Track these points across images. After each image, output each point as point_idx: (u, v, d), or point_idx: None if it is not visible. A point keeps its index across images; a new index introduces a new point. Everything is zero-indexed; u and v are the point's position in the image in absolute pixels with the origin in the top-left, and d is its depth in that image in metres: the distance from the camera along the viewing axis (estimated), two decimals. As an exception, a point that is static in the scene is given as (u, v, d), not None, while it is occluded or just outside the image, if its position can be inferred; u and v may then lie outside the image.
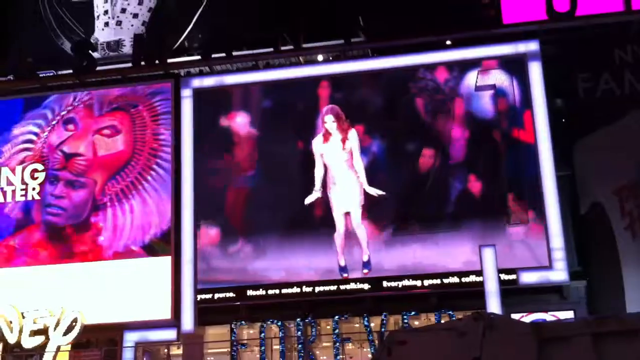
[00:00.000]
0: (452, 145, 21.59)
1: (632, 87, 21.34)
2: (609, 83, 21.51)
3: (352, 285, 20.93)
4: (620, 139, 20.71)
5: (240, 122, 22.83)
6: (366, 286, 20.88)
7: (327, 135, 22.02)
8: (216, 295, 21.41)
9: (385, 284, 20.74)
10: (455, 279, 20.40)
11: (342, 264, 21.18)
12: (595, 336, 9.13)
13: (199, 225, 21.81)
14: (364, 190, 21.39)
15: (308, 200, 21.60)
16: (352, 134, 21.86)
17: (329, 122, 22.02)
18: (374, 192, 21.28)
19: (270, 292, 21.19)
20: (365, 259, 21.11)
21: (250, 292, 21.30)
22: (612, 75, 21.52)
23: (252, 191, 22.22)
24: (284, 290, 21.19)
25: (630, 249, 19.97)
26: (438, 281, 20.49)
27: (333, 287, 20.96)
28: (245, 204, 22.20)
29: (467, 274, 20.27)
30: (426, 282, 20.55)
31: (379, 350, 10.77)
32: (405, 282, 20.63)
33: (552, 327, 9.84)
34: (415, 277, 20.60)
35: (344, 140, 21.85)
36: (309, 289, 21.03)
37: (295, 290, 21.08)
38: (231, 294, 21.39)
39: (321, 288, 21.01)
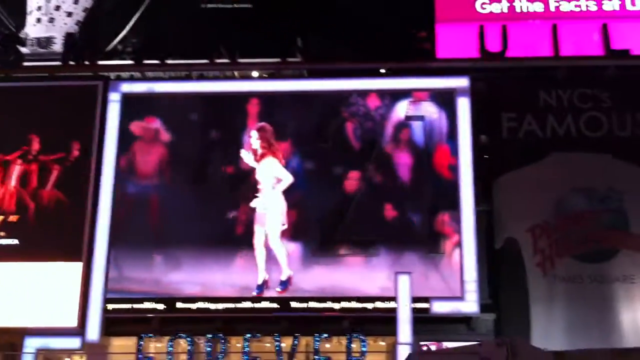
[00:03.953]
0: (378, 172, 21.79)
1: (553, 130, 21.94)
2: (532, 124, 22.08)
3: (264, 305, 20.76)
4: (539, 179, 21.27)
5: (163, 130, 22.46)
6: (276, 306, 20.74)
7: (254, 152, 21.93)
8: (126, 306, 20.87)
9: (295, 304, 20.65)
10: (369, 304, 20.46)
11: (260, 281, 21.00)
12: None
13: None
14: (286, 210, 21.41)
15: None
16: (270, 160, 21.78)
17: (253, 137, 21.96)
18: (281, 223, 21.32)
19: (182, 305, 20.79)
20: (283, 277, 20.98)
21: (161, 305, 20.85)
22: (536, 118, 22.10)
23: (171, 202, 21.82)
24: (198, 305, 20.84)
25: (540, 286, 20.40)
26: (352, 305, 20.49)
27: (247, 305, 20.74)
28: (163, 215, 21.79)
29: (381, 299, 20.37)
30: (340, 305, 20.53)
31: None
32: (320, 304, 20.56)
33: (575, 356, 9.79)
34: (329, 299, 20.57)
35: (261, 158, 21.78)
36: (224, 305, 20.75)
37: (210, 305, 20.75)
38: (142, 305, 20.89)
39: (235, 305, 20.76)
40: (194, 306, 20.82)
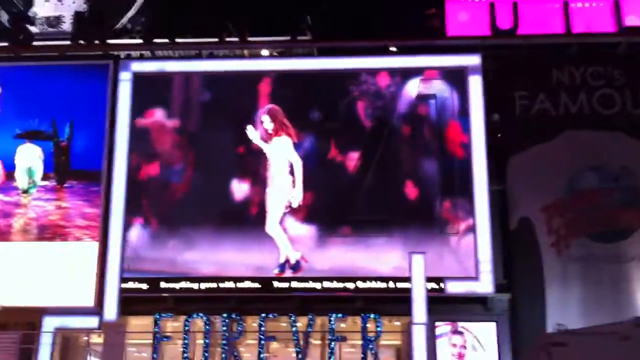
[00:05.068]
0: (390, 151, 21.76)
1: (566, 108, 21.93)
2: (545, 102, 22.06)
3: (280, 284, 20.96)
4: (552, 158, 21.30)
5: (173, 112, 22.45)
6: (292, 285, 20.92)
7: (266, 135, 21.92)
8: (142, 285, 21.04)
9: (312, 284, 20.84)
10: (383, 284, 20.63)
11: (282, 260, 21.14)
12: None
13: None
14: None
15: None
16: (284, 139, 21.80)
17: (265, 122, 21.94)
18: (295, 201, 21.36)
19: (198, 285, 20.96)
20: (292, 261, 21.08)
21: (177, 284, 21.03)
22: (548, 95, 22.06)
23: (185, 183, 21.88)
24: (213, 285, 20.99)
25: (554, 266, 20.54)
26: (366, 284, 20.66)
27: (262, 285, 20.92)
28: (178, 196, 21.85)
29: (395, 279, 20.51)
30: (354, 285, 20.70)
31: (535, 353, 10.64)
32: (334, 284, 20.74)
33: None
34: (343, 279, 20.73)
35: (274, 136, 21.81)
36: (238, 285, 20.90)
37: (225, 284, 20.92)
38: (159, 285, 21.04)
39: (250, 284, 20.93)
40: (207, 285, 20.98)
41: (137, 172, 21.95)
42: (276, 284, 20.97)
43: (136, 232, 21.57)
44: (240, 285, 20.93)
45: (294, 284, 20.97)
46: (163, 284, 21.08)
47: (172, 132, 22.32)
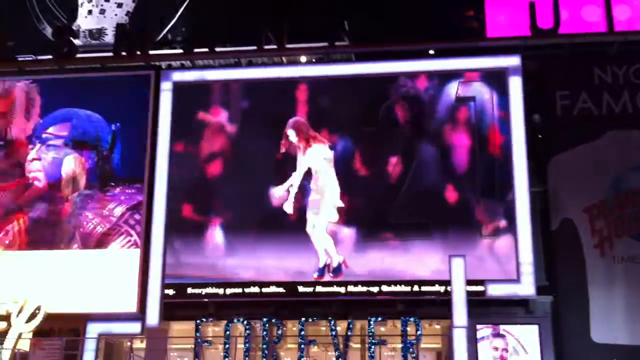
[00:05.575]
0: (429, 154, 21.62)
1: (609, 107, 21.51)
2: (587, 102, 21.67)
3: (319, 289, 20.93)
4: (595, 158, 20.91)
5: (217, 119, 22.69)
6: (333, 290, 20.87)
7: (292, 146, 22.06)
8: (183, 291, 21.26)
9: (352, 288, 20.77)
10: (423, 287, 20.44)
11: (322, 265, 21.15)
12: None
13: None
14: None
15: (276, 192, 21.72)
16: (317, 147, 21.87)
17: (291, 135, 22.05)
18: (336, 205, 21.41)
19: (238, 290, 21.09)
20: (334, 264, 21.07)
21: (217, 290, 21.17)
22: (591, 95, 21.67)
23: (225, 188, 22.09)
24: (253, 289, 21.09)
25: (598, 267, 20.09)
26: (406, 288, 20.50)
27: (301, 289, 20.92)
28: (218, 201, 22.06)
29: (435, 282, 20.33)
30: (394, 289, 20.56)
31: None
32: (373, 288, 20.63)
33: None
34: (383, 283, 20.61)
35: (305, 149, 21.90)
36: (278, 289, 20.97)
37: (264, 289, 21.00)
38: (200, 290, 21.23)
39: (290, 289, 20.94)
40: (248, 290, 21.09)
41: (205, 173, 22.24)
42: (301, 288, 20.94)
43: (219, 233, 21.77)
44: (265, 290, 20.96)
45: (334, 289, 20.91)
46: (190, 290, 21.23)
47: (225, 136, 22.53)
